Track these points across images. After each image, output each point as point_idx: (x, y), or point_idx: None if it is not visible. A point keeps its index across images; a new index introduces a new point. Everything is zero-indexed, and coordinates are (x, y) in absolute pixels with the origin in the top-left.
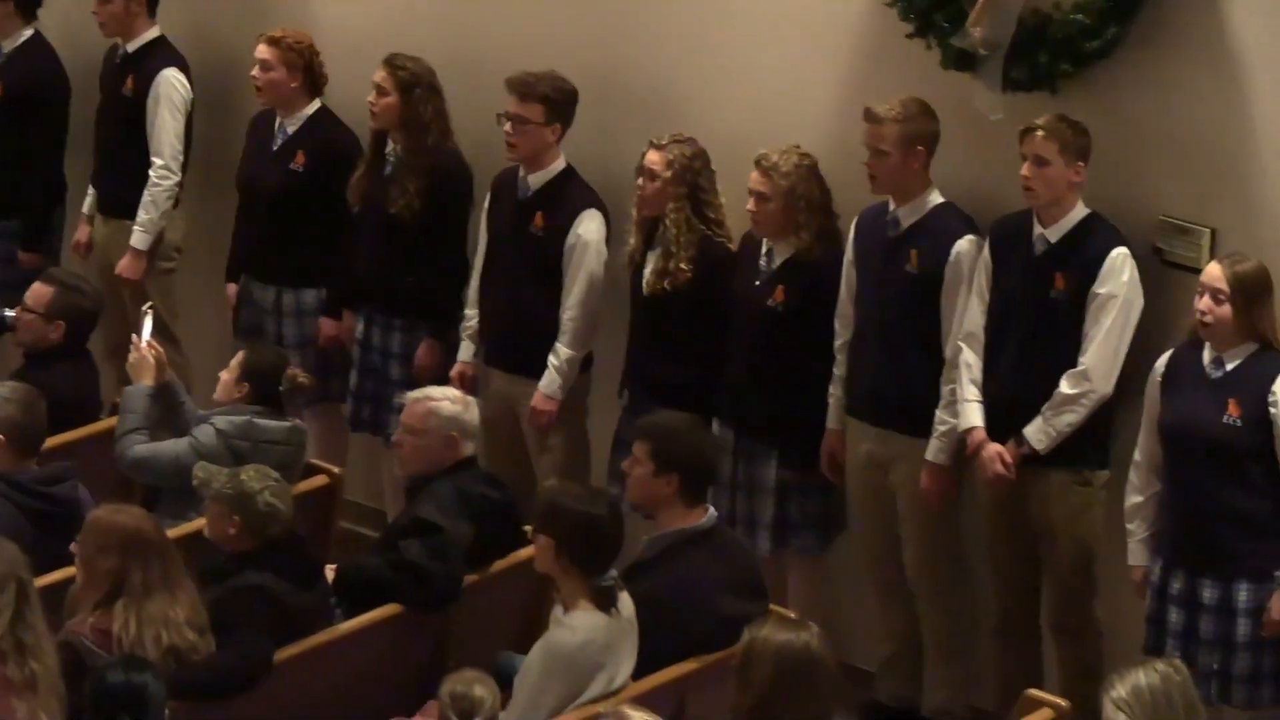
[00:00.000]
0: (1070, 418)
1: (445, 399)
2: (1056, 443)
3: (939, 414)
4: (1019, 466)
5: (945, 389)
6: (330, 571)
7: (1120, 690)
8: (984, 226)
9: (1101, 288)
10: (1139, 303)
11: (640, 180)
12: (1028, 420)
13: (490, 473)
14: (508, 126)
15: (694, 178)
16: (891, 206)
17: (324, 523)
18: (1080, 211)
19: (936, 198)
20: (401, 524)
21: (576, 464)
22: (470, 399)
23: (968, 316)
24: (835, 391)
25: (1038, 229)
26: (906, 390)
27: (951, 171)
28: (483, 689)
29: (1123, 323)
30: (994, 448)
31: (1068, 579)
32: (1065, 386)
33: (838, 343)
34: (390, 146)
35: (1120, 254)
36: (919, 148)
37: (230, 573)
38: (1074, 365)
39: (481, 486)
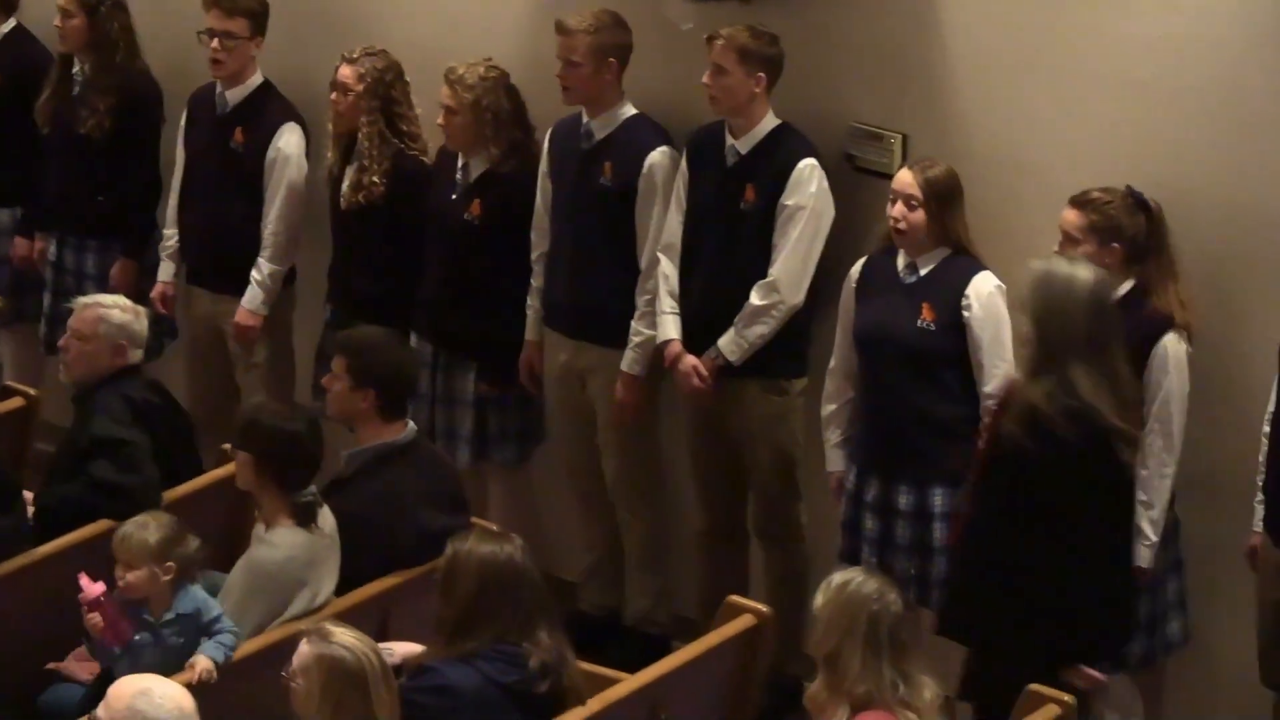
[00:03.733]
0: (761, 329)
1: (115, 306)
2: (750, 353)
3: (634, 325)
4: (716, 377)
5: (640, 300)
6: (29, 496)
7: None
8: (678, 138)
9: (789, 199)
10: (829, 213)
11: (334, 95)
12: (723, 331)
13: (153, 379)
14: (215, 43)
15: (387, 90)
16: (585, 119)
17: (20, 445)
18: (770, 122)
19: (629, 109)
20: (81, 446)
21: (281, 380)
22: (140, 308)
23: (666, 228)
24: (533, 303)
25: (729, 140)
26: (602, 301)
27: (645, 83)
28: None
29: (811, 233)
30: (690, 360)
31: (769, 486)
32: (755, 298)
33: (534, 255)
34: (77, 66)
35: (808, 165)
36: (611, 59)
37: None
38: (765, 277)
39: (145, 392)
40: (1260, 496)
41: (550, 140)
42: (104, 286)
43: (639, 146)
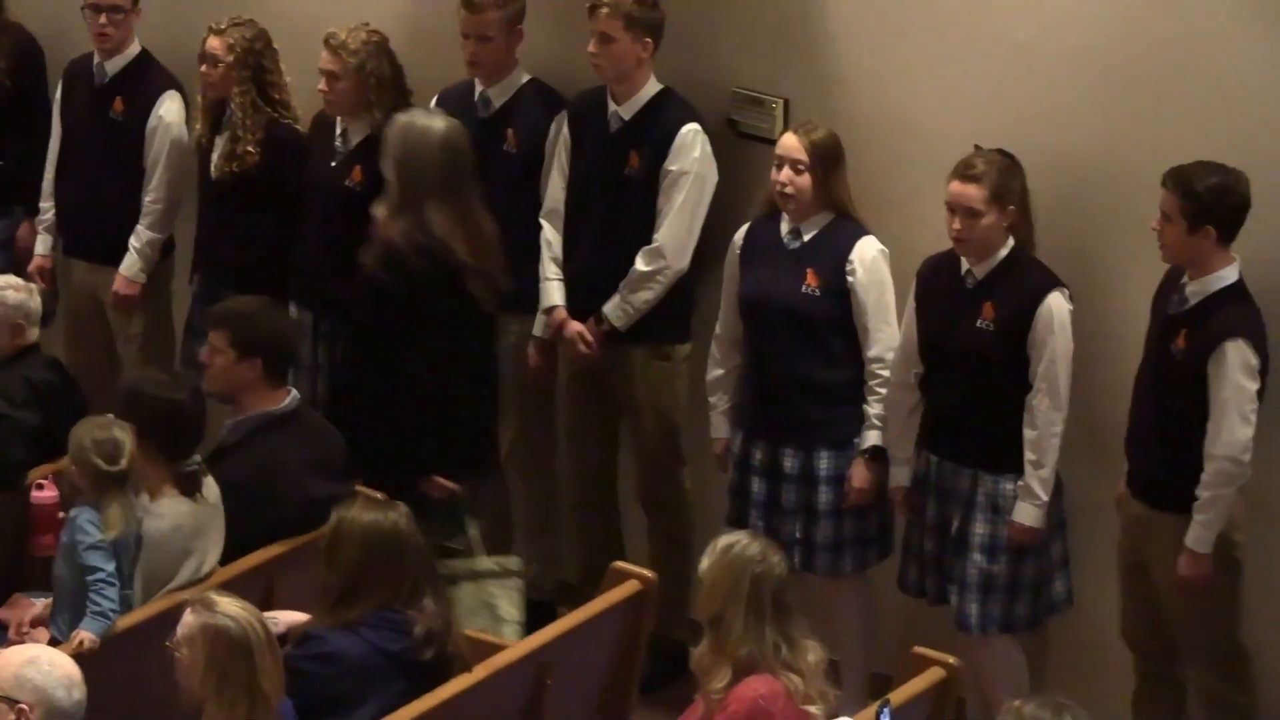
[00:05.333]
0: (646, 294)
1: (9, 287)
2: (635, 319)
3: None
4: (601, 343)
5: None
6: None
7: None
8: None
9: (673, 164)
10: (712, 178)
11: (203, 67)
12: (609, 297)
13: (52, 357)
14: (102, 18)
15: (257, 59)
16: (479, 86)
17: None
18: (653, 88)
19: (524, 75)
20: None
21: (161, 350)
22: (33, 286)
23: (549, 193)
24: None
25: (612, 106)
26: (518, 270)
27: (537, 49)
28: (121, 431)
29: (695, 198)
30: (575, 326)
31: (653, 452)
32: (640, 263)
33: None
34: None
35: (691, 130)
36: (518, 28)
37: None
38: (650, 242)
39: (46, 373)
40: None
41: (438, 108)
42: (9, 252)
43: (541, 113)
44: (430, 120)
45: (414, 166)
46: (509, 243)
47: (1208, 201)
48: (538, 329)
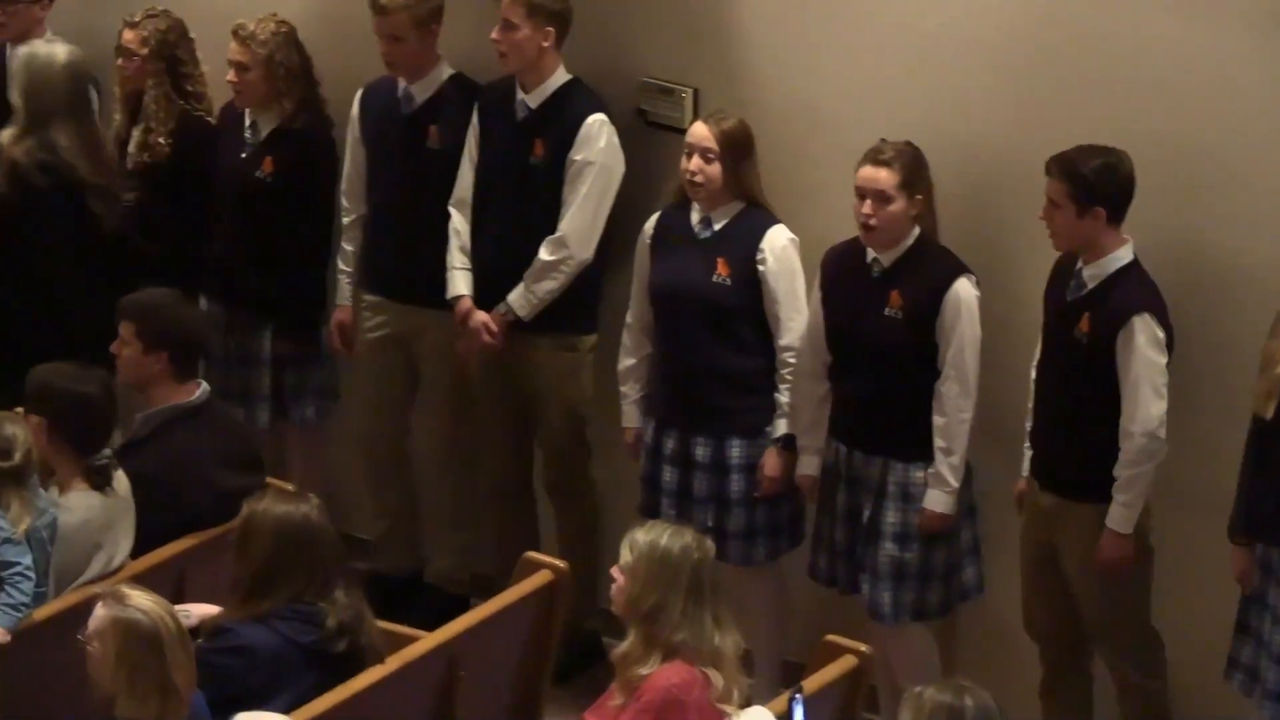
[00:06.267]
0: (550, 284)
1: None
2: (539, 309)
3: None
4: (506, 333)
5: None
6: None
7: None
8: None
9: (578, 154)
10: (618, 169)
11: (119, 60)
12: (514, 287)
13: None
14: None
15: (171, 51)
16: (402, 83)
17: None
18: (561, 78)
19: (447, 70)
20: None
21: None
22: None
23: (459, 183)
24: (345, 268)
25: (519, 95)
26: (430, 265)
27: (457, 41)
28: (14, 426)
29: (600, 189)
30: (480, 316)
31: (559, 443)
32: (544, 253)
33: (347, 220)
34: None
35: (597, 120)
36: (433, 26)
37: None
38: (554, 232)
39: None
40: (1028, 443)
41: (361, 104)
42: None
43: (463, 109)
44: (53, 48)
45: (39, 91)
46: (435, 239)
47: (1095, 183)
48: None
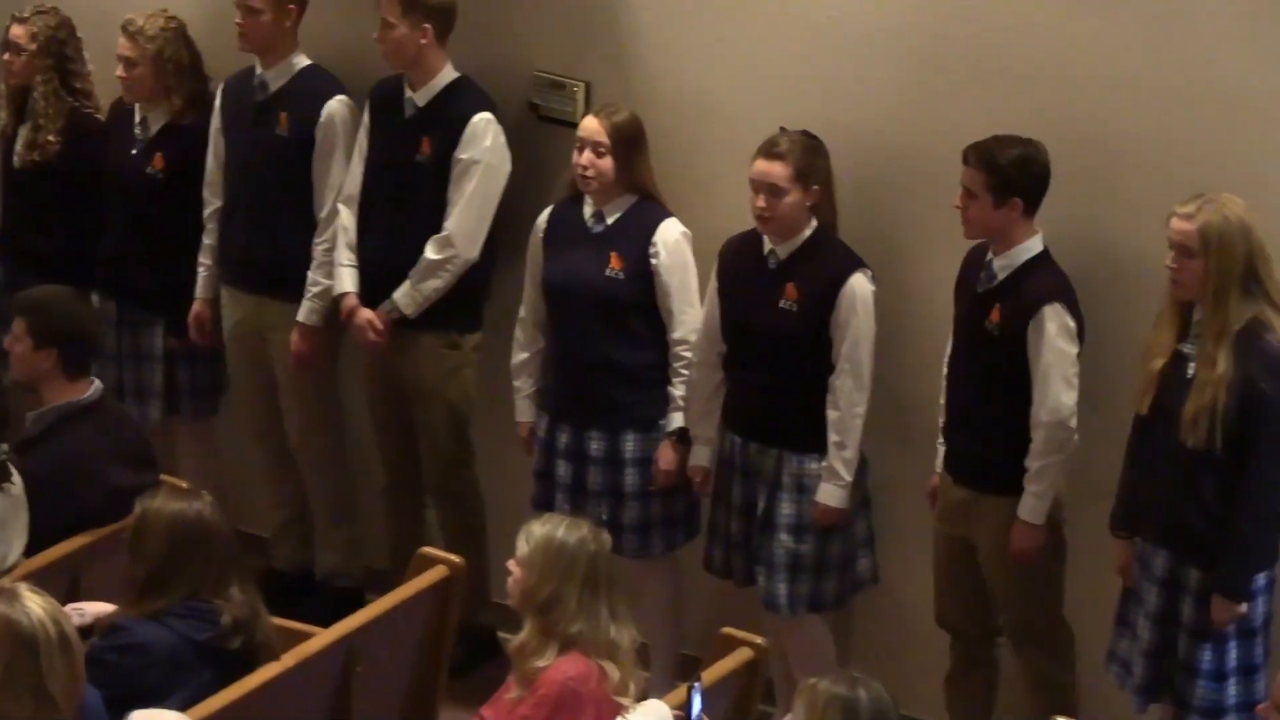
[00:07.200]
0: (435, 283)
1: None
2: (424, 307)
3: (311, 275)
4: (391, 330)
5: (318, 249)
6: None
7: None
8: (356, 90)
9: (463, 153)
10: (505, 168)
11: (6, 55)
12: (399, 284)
13: None
14: None
15: (60, 48)
16: (258, 70)
17: None
18: (449, 75)
19: (303, 60)
20: None
21: None
22: None
23: (348, 179)
24: (205, 261)
25: (408, 93)
26: (280, 256)
27: (323, 35)
28: None
29: (485, 188)
30: (365, 314)
31: (442, 442)
32: (429, 251)
33: (207, 211)
34: None
35: (482, 119)
36: (290, 6)
37: None
38: (440, 231)
39: None
40: (941, 439)
41: (223, 95)
42: None
43: (315, 96)
44: None
45: None
46: (285, 229)
47: (1012, 173)
48: (302, 314)
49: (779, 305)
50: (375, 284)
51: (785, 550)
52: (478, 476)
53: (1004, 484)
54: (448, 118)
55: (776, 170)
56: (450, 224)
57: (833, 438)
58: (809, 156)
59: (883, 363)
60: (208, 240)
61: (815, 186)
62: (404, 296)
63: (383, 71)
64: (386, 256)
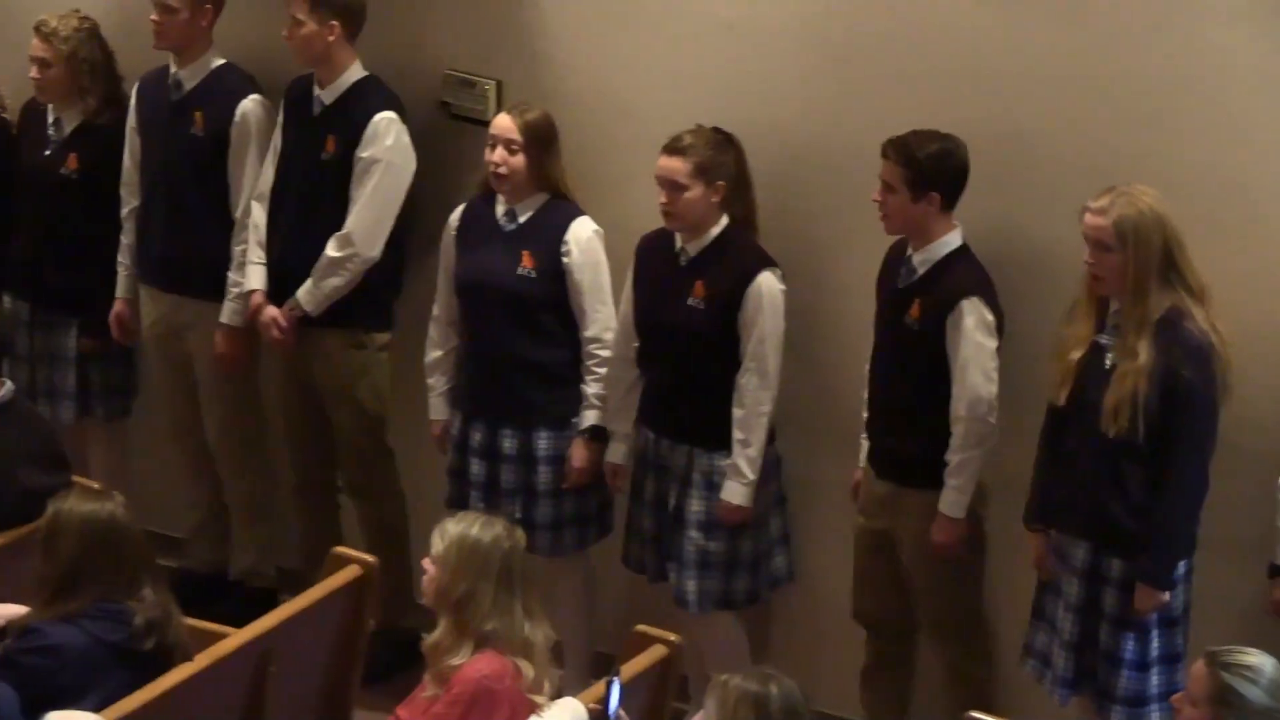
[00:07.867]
0: (336, 281)
1: None
2: (326, 305)
3: (231, 275)
4: (297, 329)
5: (236, 250)
6: None
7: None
8: (271, 88)
9: (365, 151)
10: (408, 167)
11: None
12: (304, 282)
13: None
14: None
15: None
16: (173, 69)
17: None
18: (356, 74)
19: (218, 59)
20: None
21: None
22: None
23: (261, 177)
24: (124, 260)
25: (316, 90)
26: (197, 255)
27: (238, 32)
28: None
29: (387, 187)
30: (271, 311)
31: (355, 441)
32: (330, 249)
33: (125, 210)
34: None
35: (384, 118)
36: (208, 5)
37: None
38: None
39: None
40: (864, 434)
41: (137, 94)
42: None
43: (230, 95)
44: None
45: None
46: (200, 228)
47: (930, 168)
48: (225, 315)
49: (687, 303)
50: (283, 282)
51: (695, 547)
52: (398, 475)
53: (926, 478)
54: (352, 116)
55: (677, 166)
56: (350, 222)
57: (737, 436)
58: (712, 152)
59: (801, 359)
60: (126, 240)
61: (720, 183)
62: (306, 294)
63: (299, 70)
64: (294, 254)
